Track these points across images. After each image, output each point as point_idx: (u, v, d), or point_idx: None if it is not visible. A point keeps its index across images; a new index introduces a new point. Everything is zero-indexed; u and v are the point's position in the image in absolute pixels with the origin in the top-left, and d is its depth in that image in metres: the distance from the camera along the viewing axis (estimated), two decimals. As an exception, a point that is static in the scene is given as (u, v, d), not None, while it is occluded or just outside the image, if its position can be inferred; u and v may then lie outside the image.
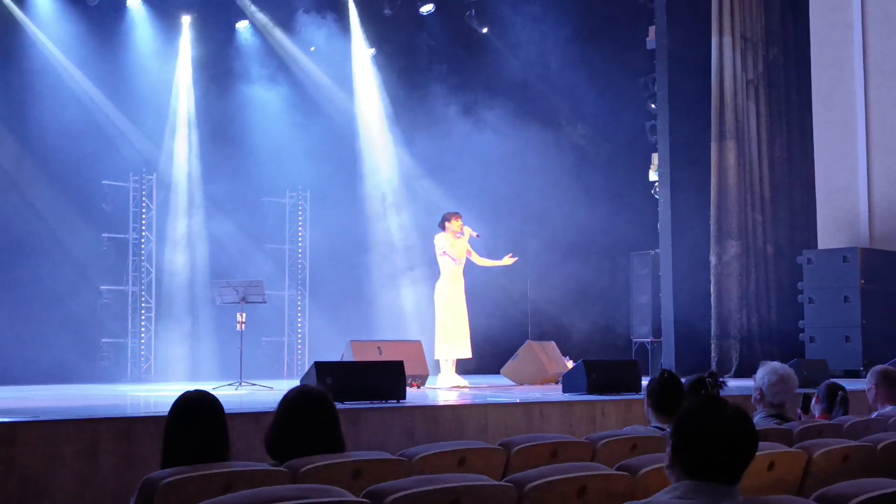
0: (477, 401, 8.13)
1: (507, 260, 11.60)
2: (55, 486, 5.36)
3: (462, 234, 11.16)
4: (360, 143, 16.19)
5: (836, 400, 6.11)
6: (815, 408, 6.14)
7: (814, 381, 9.14)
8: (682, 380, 5.30)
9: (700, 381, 5.33)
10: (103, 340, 13.84)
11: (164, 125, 14.53)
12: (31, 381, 11.71)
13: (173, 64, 14.69)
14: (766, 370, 5.64)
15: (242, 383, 10.69)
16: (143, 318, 14.25)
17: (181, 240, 14.57)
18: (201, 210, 14.77)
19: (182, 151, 14.80)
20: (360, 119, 16.20)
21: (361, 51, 16.15)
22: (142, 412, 6.72)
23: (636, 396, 8.65)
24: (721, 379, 5.54)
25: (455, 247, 11.12)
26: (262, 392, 10.08)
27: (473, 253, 11.36)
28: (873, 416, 6.06)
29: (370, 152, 16.21)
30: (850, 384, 9.96)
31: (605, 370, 9.21)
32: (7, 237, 12.87)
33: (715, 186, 14.76)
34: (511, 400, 8.10)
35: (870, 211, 13.97)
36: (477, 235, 11.27)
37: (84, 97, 13.67)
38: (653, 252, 16.14)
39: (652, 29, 15.92)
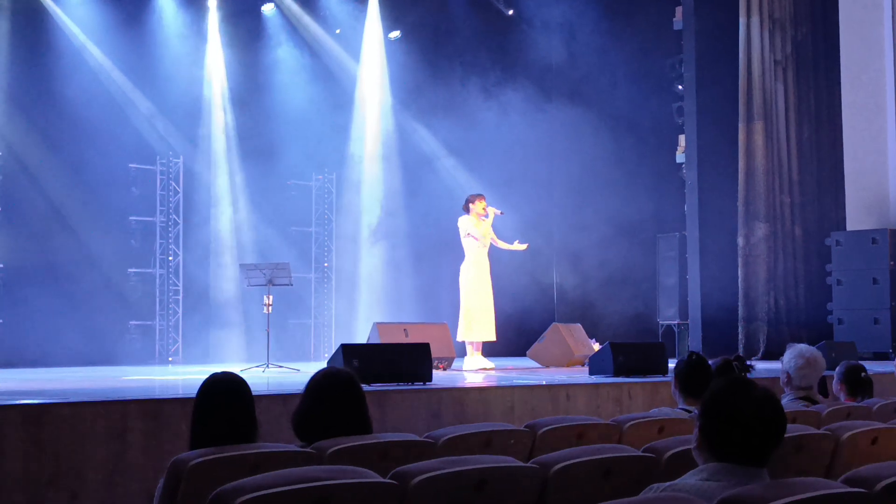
0: (503, 383, 8.13)
1: (518, 245, 11.60)
2: (85, 467, 5.41)
3: (486, 216, 11.16)
4: (383, 125, 16.16)
5: (860, 381, 6.04)
6: (840, 392, 6.08)
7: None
8: (709, 362, 5.29)
9: (727, 364, 5.31)
10: (131, 323, 13.93)
11: (190, 109, 14.55)
12: (60, 364, 11.82)
13: (199, 48, 14.70)
14: (793, 353, 5.61)
15: (269, 365, 10.74)
16: (170, 300, 14.32)
17: (208, 223, 14.62)
18: (228, 193, 14.81)
19: (209, 135, 14.83)
20: (385, 102, 16.17)
21: (379, 32, 16.09)
22: (170, 394, 6.77)
23: (663, 379, 8.64)
24: (749, 362, 5.51)
25: (479, 228, 11.13)
26: (289, 374, 10.12)
27: (495, 237, 11.37)
28: (902, 398, 6.03)
29: (394, 135, 16.19)
30: (878, 366, 9.92)
31: (631, 352, 9.21)
32: (35, 221, 12.95)
33: (743, 168, 14.67)
34: (537, 382, 8.10)
35: (899, 192, 13.86)
36: (500, 213, 11.28)
37: (110, 81, 13.71)
38: (679, 234, 16.07)
39: (679, 9, 15.82)
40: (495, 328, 11.30)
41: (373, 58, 16.12)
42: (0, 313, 12.57)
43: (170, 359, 14.03)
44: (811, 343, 8.06)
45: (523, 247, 11.66)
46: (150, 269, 14.22)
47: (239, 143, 14.82)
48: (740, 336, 14.44)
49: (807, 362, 5.54)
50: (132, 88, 13.86)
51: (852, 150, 14.21)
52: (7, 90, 12.87)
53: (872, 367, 9.49)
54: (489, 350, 11.57)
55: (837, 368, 6.10)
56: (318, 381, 4.01)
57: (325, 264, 15.99)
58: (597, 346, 11.82)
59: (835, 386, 6.08)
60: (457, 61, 15.91)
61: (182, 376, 10.37)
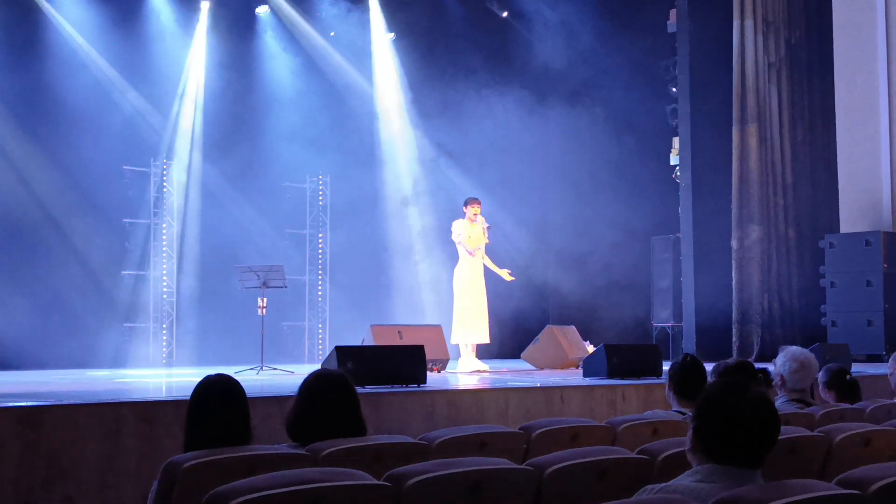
0: (497, 385, 8.13)
1: (506, 275, 11.61)
2: (79, 469, 5.40)
3: (476, 220, 11.17)
4: (379, 128, 16.16)
5: (846, 384, 6.03)
6: (828, 395, 6.07)
7: (835, 365, 9.07)
8: (711, 364, 5.29)
9: (741, 366, 5.26)
10: (125, 325, 13.91)
11: (185, 110, 14.53)
12: (54, 366, 11.79)
13: (194, 49, 14.67)
14: (787, 356, 5.60)
15: (264, 367, 10.74)
16: (164, 302, 14.30)
17: (203, 225, 14.59)
18: (222, 195, 14.78)
19: (204, 137, 14.80)
20: (380, 105, 16.17)
21: (380, 35, 16.11)
22: (164, 396, 6.76)
23: (657, 381, 8.64)
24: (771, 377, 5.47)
25: (472, 235, 11.14)
26: (284, 376, 10.12)
27: (484, 253, 11.38)
28: (895, 400, 6.04)
29: (389, 138, 16.19)
30: (872, 369, 9.94)
31: (625, 354, 9.22)
32: (29, 223, 12.93)
33: (736, 171, 14.68)
34: (531, 384, 8.10)
35: (893, 195, 13.86)
36: (487, 226, 11.30)
37: (105, 81, 13.69)
38: (674, 236, 16.08)
39: (673, 12, 15.83)
40: (489, 330, 11.31)
41: (366, 60, 16.11)
42: (-6, 315, 12.56)
43: (164, 361, 14.01)
44: (805, 345, 8.06)
45: (510, 278, 11.68)
46: (143, 271, 14.20)
47: (233, 145, 14.78)
48: (734, 338, 14.44)
49: (800, 365, 5.54)
50: (127, 89, 13.85)
51: (846, 152, 14.22)
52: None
53: (866, 369, 9.52)
54: (483, 352, 11.57)
55: (820, 375, 6.04)
56: (311, 382, 4.01)
57: (320, 266, 15.97)
58: (591, 348, 11.83)
59: (822, 393, 6.06)
60: (451, 63, 15.91)
61: (176, 378, 10.37)
